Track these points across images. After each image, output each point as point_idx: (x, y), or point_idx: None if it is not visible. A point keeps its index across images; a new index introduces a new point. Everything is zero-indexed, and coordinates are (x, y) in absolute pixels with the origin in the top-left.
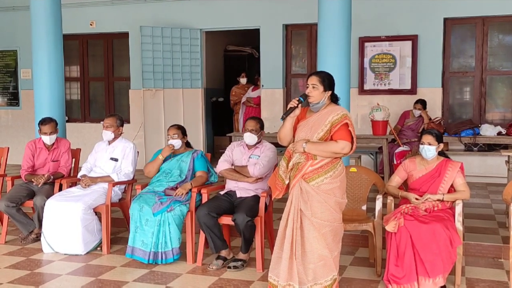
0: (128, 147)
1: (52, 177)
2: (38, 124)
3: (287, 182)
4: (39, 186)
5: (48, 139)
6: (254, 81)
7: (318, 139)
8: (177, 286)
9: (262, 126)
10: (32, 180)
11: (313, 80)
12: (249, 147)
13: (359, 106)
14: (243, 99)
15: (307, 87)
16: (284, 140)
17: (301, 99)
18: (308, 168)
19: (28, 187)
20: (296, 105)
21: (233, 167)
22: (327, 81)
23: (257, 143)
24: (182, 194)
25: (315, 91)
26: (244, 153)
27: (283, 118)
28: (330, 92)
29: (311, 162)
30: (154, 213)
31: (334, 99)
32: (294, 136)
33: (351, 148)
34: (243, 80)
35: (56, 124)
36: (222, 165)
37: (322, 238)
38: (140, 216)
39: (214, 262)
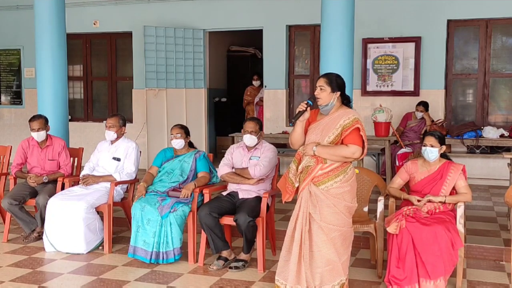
0: (130, 147)
1: (47, 177)
2: (28, 121)
3: (296, 185)
4: (34, 186)
5: (36, 135)
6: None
7: (329, 142)
8: (178, 286)
9: (261, 127)
10: (23, 177)
11: (321, 81)
12: (249, 148)
13: (361, 108)
14: (256, 99)
15: (316, 89)
16: (296, 145)
17: (310, 102)
18: (318, 172)
19: (31, 186)
20: (305, 108)
21: (234, 170)
22: (335, 82)
23: (257, 144)
24: (188, 195)
25: (323, 93)
26: (244, 155)
27: (293, 123)
28: (338, 93)
29: (321, 166)
30: (162, 216)
31: (345, 101)
32: (305, 139)
33: (362, 153)
34: (256, 83)
35: (46, 121)
36: (223, 169)
37: (330, 243)
38: (142, 215)
39: (215, 262)
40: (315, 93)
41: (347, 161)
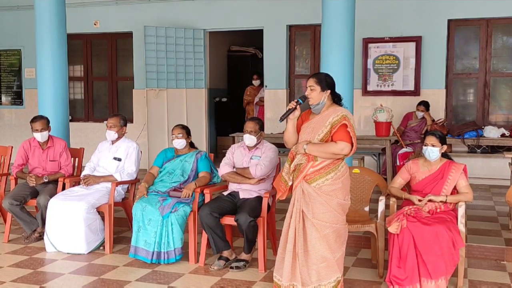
0: (131, 147)
1: (48, 178)
2: (30, 122)
3: (290, 183)
4: (33, 186)
5: (39, 136)
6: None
7: (319, 140)
8: (179, 286)
9: (261, 127)
10: (24, 178)
11: (310, 82)
12: (250, 148)
13: (362, 107)
14: (256, 99)
15: (307, 89)
16: (289, 143)
17: (300, 100)
18: (309, 169)
19: (32, 186)
20: (294, 106)
21: (234, 169)
22: (324, 81)
23: (258, 143)
24: (189, 195)
25: (313, 92)
26: (245, 154)
27: (282, 120)
28: (328, 92)
29: (312, 163)
30: (163, 216)
31: (336, 99)
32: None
33: (351, 149)
34: (256, 82)
35: (48, 121)
36: (224, 169)
37: (324, 240)
38: (143, 216)
39: (216, 262)
40: (306, 93)
41: (337, 158)
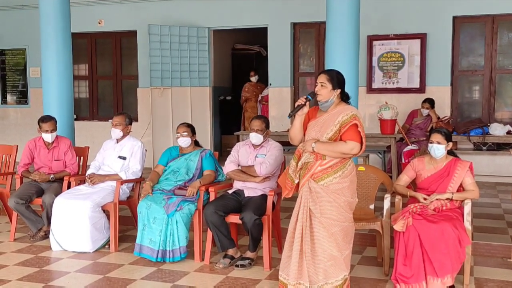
0: (136, 146)
1: (53, 176)
2: (38, 122)
3: (296, 181)
4: (38, 182)
5: (49, 137)
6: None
7: (328, 139)
8: (184, 284)
9: (267, 125)
10: (29, 177)
11: (322, 78)
12: (255, 146)
13: (367, 105)
14: (259, 98)
15: (316, 85)
16: (295, 140)
17: (309, 97)
18: (317, 168)
19: (37, 185)
20: (303, 102)
21: (239, 167)
22: (336, 80)
23: (263, 141)
24: (194, 193)
25: (323, 90)
26: (250, 152)
27: (290, 116)
28: (339, 91)
29: (320, 162)
30: (168, 214)
31: (344, 98)
32: (304, 136)
33: (360, 149)
34: (254, 79)
35: (56, 122)
36: (229, 166)
37: (331, 238)
38: (148, 214)
39: (221, 260)
40: (316, 89)
41: (346, 157)
